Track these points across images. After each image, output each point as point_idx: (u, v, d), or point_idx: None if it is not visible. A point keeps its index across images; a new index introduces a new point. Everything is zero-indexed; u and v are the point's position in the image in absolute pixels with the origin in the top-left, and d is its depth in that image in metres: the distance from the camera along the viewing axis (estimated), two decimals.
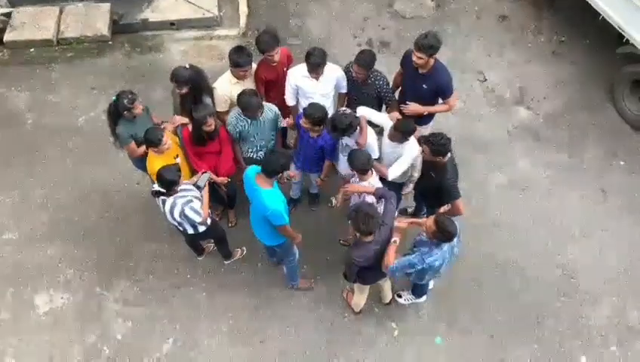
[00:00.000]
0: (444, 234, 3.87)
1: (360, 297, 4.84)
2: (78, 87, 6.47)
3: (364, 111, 4.66)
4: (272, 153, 4.23)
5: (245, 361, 4.85)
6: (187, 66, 4.77)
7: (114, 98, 4.58)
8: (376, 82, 4.83)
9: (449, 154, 4.36)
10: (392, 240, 4.08)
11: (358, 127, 4.49)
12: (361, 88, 4.87)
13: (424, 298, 5.07)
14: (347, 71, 4.91)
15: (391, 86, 5.04)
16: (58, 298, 5.16)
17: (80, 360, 4.85)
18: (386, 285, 4.93)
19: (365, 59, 4.65)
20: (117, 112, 4.59)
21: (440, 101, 4.93)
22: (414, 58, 4.57)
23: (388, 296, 5.05)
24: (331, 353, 4.89)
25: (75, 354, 4.88)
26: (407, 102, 4.86)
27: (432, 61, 4.64)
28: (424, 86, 4.75)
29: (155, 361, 4.85)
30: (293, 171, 4.84)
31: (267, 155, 4.24)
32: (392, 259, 4.02)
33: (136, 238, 5.48)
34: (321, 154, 4.86)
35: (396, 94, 5.12)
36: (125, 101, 4.49)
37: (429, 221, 3.94)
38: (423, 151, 4.40)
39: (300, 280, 5.19)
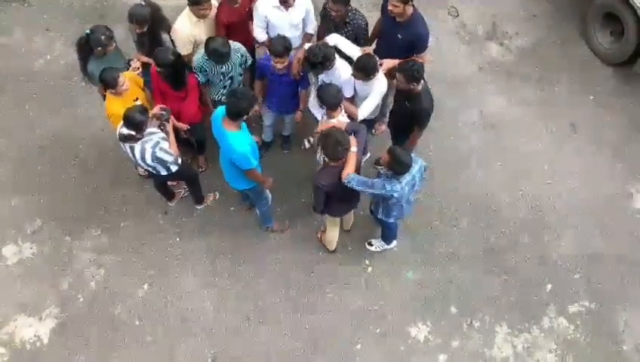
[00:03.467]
0: (398, 163, 3.95)
1: (332, 231, 4.87)
2: (32, 28, 6.09)
3: (336, 39, 4.51)
4: (234, 95, 4.01)
5: (222, 302, 4.91)
6: (143, 3, 4.51)
7: (87, 31, 4.33)
8: (355, 22, 4.65)
9: (422, 83, 4.31)
10: (352, 149, 4.07)
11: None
12: (340, 29, 4.67)
13: (394, 243, 5.15)
14: (325, 13, 4.71)
15: (370, 34, 4.87)
16: (27, 248, 5.06)
17: (54, 308, 4.83)
18: (349, 214, 5.00)
19: None
20: (88, 48, 4.36)
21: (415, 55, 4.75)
22: (390, 6, 4.38)
23: (349, 222, 5.13)
24: (307, 292, 4.97)
25: (49, 302, 4.85)
26: (383, 54, 4.66)
27: (409, 10, 4.44)
28: (399, 36, 4.57)
29: (132, 306, 4.86)
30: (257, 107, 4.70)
31: (229, 97, 4.05)
32: (350, 167, 4.05)
33: (105, 186, 5.35)
34: (294, 89, 4.74)
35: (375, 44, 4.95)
36: (102, 37, 4.28)
37: (384, 154, 4.04)
38: (397, 80, 4.31)
39: (275, 223, 5.19)
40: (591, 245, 5.27)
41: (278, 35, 4.51)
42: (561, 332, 4.88)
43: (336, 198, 4.32)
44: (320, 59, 4.23)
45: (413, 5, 4.47)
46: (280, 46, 4.34)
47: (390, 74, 4.55)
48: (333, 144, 3.93)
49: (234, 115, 3.99)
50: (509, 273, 5.12)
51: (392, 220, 4.53)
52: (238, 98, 3.96)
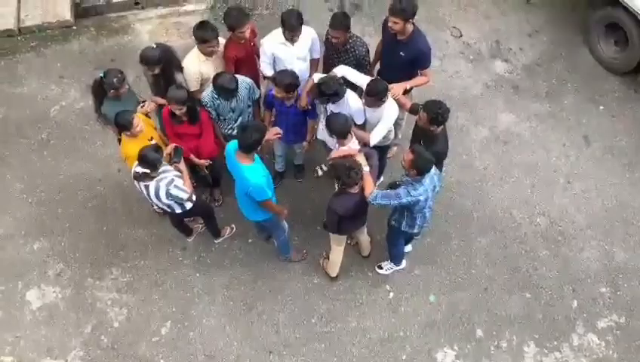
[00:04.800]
0: (422, 162, 3.96)
1: (337, 252, 4.83)
2: (46, 76, 6.26)
3: (343, 70, 4.59)
4: (245, 128, 4.09)
5: (245, 336, 4.88)
6: (154, 46, 4.65)
7: (101, 75, 4.47)
8: (356, 49, 4.74)
9: (442, 126, 4.33)
10: (364, 168, 4.12)
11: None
12: (341, 55, 4.77)
13: (404, 264, 5.12)
14: (327, 39, 4.82)
15: (372, 56, 4.95)
16: (50, 292, 5.10)
17: (79, 351, 4.83)
18: (363, 237, 5.00)
19: (339, 20, 4.58)
20: (102, 90, 4.50)
21: (419, 74, 4.80)
22: (390, 23, 4.49)
23: (366, 248, 5.13)
24: (329, 320, 4.94)
25: (74, 345, 4.86)
26: (387, 73, 4.75)
27: (410, 28, 4.54)
28: (402, 54, 4.65)
29: (156, 345, 4.85)
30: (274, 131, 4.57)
31: (240, 131, 4.12)
32: (370, 184, 4.09)
33: (123, 225, 5.41)
34: (302, 119, 4.81)
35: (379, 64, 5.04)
36: (115, 80, 4.41)
37: (406, 154, 4.03)
38: (419, 116, 4.35)
39: (293, 253, 5.20)
40: (614, 257, 5.19)
41: (284, 69, 4.59)
42: (592, 349, 4.77)
43: (348, 218, 4.36)
44: (332, 91, 4.32)
45: (413, 23, 4.55)
46: (286, 83, 4.40)
47: (403, 97, 4.61)
48: (345, 171, 3.98)
49: (246, 147, 4.06)
50: (533, 290, 5.05)
51: (416, 230, 4.50)
52: (249, 131, 4.03)
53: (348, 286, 5.11)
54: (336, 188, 4.65)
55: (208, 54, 4.67)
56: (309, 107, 4.67)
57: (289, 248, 5.14)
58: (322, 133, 4.89)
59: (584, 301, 4.99)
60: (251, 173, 4.12)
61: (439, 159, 4.47)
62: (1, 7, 6.48)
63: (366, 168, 4.12)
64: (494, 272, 5.14)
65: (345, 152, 4.30)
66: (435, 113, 4.20)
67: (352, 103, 4.51)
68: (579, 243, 5.27)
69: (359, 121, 4.58)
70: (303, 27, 4.67)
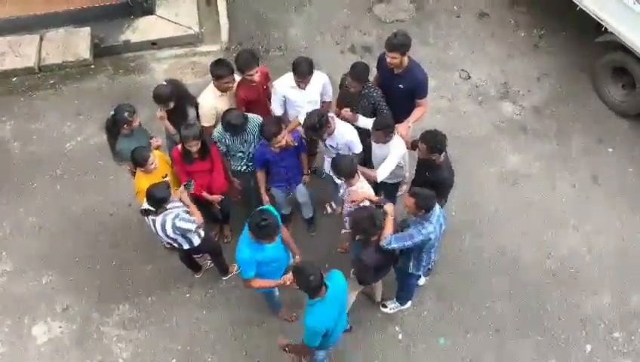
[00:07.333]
0: (424, 201, 3.96)
1: (351, 296, 4.71)
2: (63, 113, 6.42)
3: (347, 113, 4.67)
4: (262, 222, 3.84)
5: None
6: (165, 83, 4.77)
7: (112, 112, 4.58)
8: (370, 95, 4.82)
9: (444, 154, 4.38)
10: (387, 215, 4.12)
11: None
12: (356, 100, 4.86)
13: (409, 304, 5.06)
14: (343, 83, 4.94)
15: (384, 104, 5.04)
16: (56, 327, 5.09)
17: None
18: (378, 284, 4.93)
19: (358, 72, 4.68)
20: (116, 128, 4.60)
21: (416, 103, 4.89)
22: (388, 59, 4.62)
23: (379, 294, 5.06)
24: None
25: None
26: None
27: (406, 60, 4.67)
28: (400, 86, 4.77)
29: None
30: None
31: (255, 222, 3.86)
32: (390, 229, 4.08)
33: (132, 260, 5.42)
34: (297, 158, 4.86)
35: None
36: (126, 114, 4.50)
37: (406, 200, 4.03)
38: (418, 149, 4.41)
39: (279, 311, 5.02)
40: (628, 300, 5.10)
41: (268, 119, 4.66)
42: None
43: (380, 267, 4.34)
44: (314, 122, 4.36)
45: (408, 55, 4.67)
46: (270, 131, 4.44)
47: (407, 135, 4.67)
48: (369, 220, 3.97)
49: (254, 235, 3.96)
50: (545, 333, 4.95)
51: (421, 271, 4.47)
52: (265, 226, 3.85)
53: (356, 327, 5.03)
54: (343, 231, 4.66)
55: (224, 90, 4.79)
56: (296, 143, 4.71)
57: (274, 309, 5.00)
58: (328, 165, 4.91)
59: (598, 346, 4.87)
60: (242, 244, 4.04)
61: (446, 187, 4.51)
62: (23, 47, 6.72)
63: (391, 216, 4.12)
64: (505, 314, 5.06)
65: (368, 195, 4.30)
66: (433, 142, 4.27)
67: (345, 132, 4.58)
68: (591, 286, 5.19)
69: (357, 150, 4.64)
70: (315, 72, 4.75)
